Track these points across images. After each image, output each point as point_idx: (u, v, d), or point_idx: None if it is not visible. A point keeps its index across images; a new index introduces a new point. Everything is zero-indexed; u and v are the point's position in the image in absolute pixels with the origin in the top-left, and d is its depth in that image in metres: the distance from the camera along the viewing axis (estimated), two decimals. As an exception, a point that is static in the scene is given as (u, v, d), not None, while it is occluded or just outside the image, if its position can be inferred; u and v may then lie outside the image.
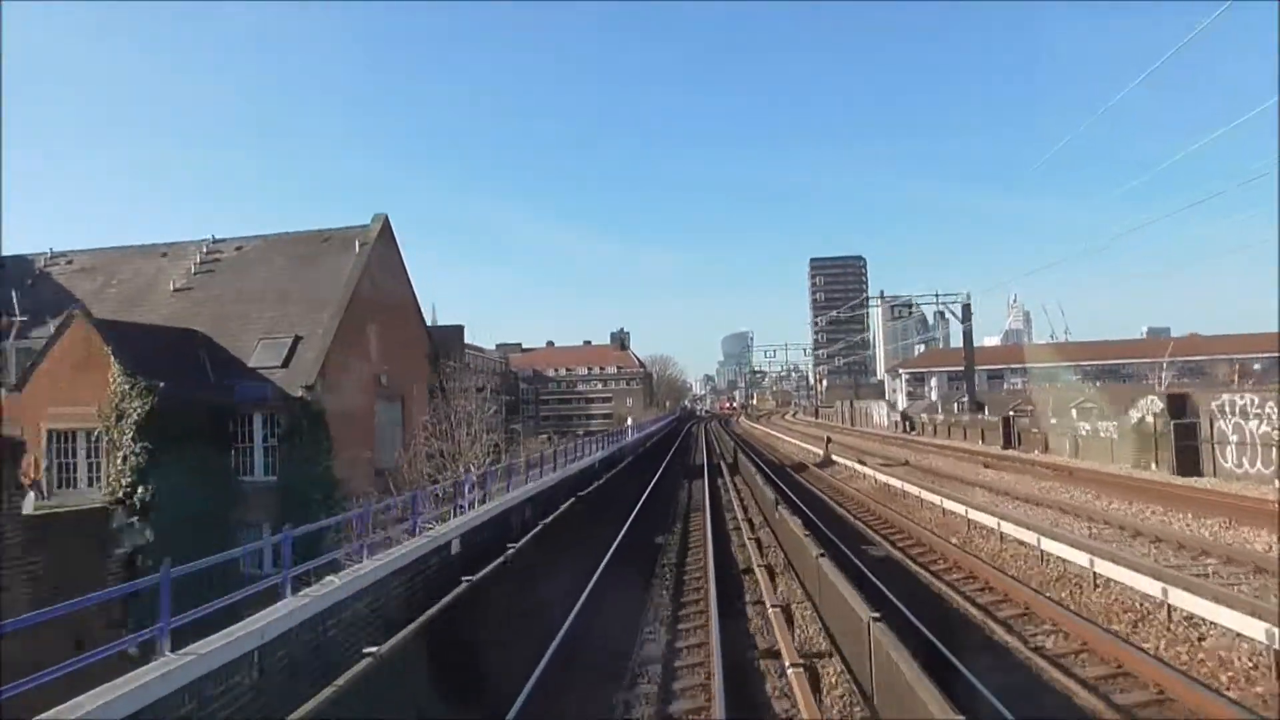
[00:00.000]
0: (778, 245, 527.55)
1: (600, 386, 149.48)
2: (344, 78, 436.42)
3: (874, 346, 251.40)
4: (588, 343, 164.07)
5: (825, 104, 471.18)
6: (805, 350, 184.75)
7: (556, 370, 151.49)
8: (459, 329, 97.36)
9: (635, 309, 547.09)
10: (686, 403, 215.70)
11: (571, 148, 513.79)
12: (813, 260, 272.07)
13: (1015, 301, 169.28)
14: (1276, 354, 70.55)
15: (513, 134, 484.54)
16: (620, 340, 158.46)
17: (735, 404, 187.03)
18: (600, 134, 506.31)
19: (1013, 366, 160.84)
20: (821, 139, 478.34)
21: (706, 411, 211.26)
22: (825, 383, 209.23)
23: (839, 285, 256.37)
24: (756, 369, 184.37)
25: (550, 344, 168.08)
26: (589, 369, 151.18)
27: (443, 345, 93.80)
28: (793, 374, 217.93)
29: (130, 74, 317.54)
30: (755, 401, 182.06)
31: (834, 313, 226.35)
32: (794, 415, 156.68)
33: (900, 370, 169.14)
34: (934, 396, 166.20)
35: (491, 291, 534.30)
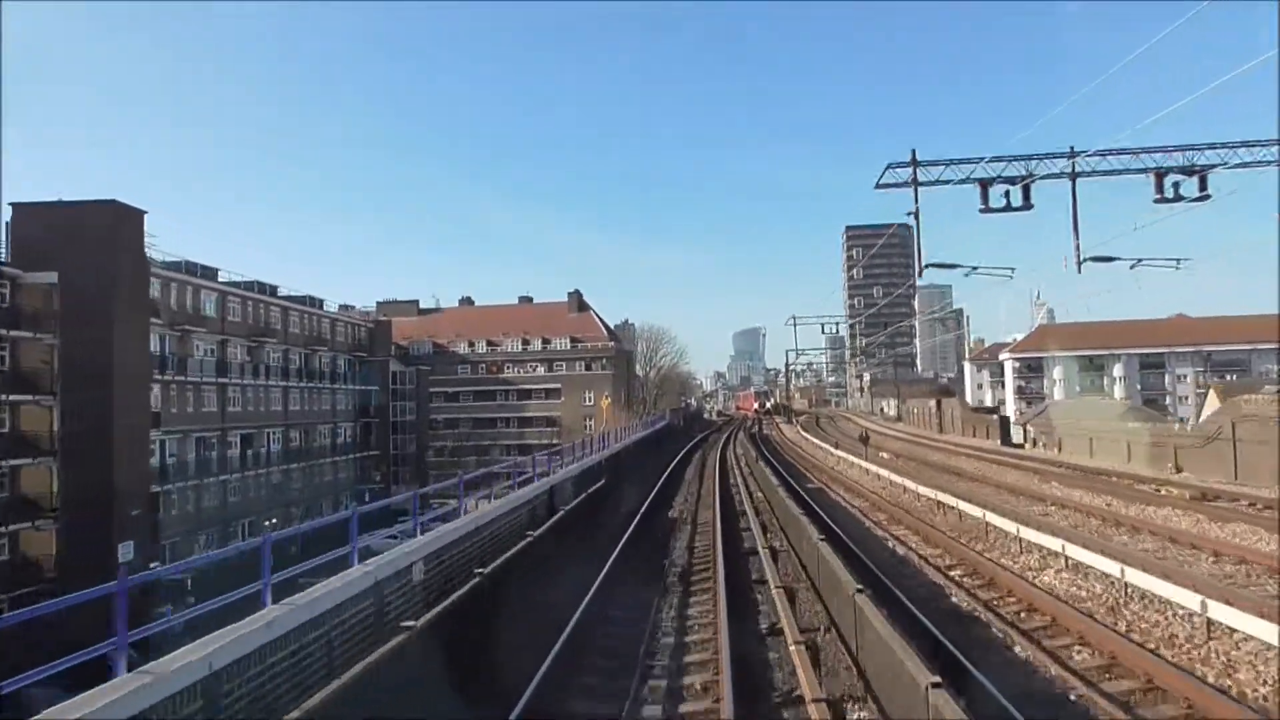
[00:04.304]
0: (792, 238, 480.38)
1: (545, 370, 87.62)
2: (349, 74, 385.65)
3: (914, 337, 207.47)
4: (527, 299, 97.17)
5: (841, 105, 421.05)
6: (840, 324, 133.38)
7: (474, 345, 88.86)
8: (115, 207, 40.72)
9: (640, 305, 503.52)
10: (692, 400, 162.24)
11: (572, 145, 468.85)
12: (849, 229, 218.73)
13: (1039, 299, 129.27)
14: None
15: (519, 131, 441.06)
16: (579, 300, 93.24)
17: (770, 403, 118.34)
18: (600, 132, 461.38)
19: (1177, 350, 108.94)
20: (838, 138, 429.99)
21: (719, 413, 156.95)
22: (867, 377, 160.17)
23: (881, 259, 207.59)
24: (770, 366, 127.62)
25: (468, 300, 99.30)
26: (526, 342, 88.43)
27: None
28: (807, 371, 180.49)
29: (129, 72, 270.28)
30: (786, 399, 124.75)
31: (876, 292, 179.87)
32: (860, 416, 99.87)
33: (1007, 357, 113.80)
34: (1058, 393, 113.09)
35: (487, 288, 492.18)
